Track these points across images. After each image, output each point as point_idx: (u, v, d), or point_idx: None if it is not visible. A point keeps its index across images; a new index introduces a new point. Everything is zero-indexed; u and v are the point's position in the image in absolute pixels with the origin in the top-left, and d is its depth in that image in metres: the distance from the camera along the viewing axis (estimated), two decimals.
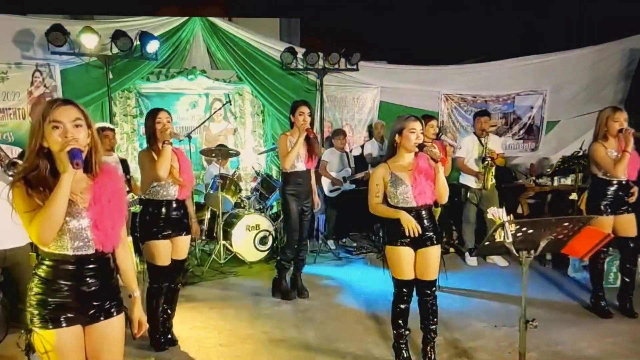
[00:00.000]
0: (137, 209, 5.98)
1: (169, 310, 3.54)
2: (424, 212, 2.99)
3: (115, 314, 1.94)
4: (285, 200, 4.34)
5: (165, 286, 3.43)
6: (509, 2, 9.04)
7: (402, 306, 3.08)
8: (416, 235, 2.91)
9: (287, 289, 4.50)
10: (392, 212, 2.98)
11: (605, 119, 3.80)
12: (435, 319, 3.10)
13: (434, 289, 3.06)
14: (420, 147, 2.92)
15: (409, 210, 2.95)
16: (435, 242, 3.01)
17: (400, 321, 3.11)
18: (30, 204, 1.72)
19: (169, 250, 3.36)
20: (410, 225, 2.89)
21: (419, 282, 3.04)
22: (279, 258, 4.54)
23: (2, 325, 3.25)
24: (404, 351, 3.15)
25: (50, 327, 1.79)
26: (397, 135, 3.01)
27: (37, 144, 1.75)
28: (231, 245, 5.46)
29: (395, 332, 3.16)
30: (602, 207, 3.85)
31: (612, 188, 3.83)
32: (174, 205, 3.37)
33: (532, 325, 2.47)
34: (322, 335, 3.70)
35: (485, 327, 3.79)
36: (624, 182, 3.83)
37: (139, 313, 2.07)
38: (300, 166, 4.25)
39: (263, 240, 5.63)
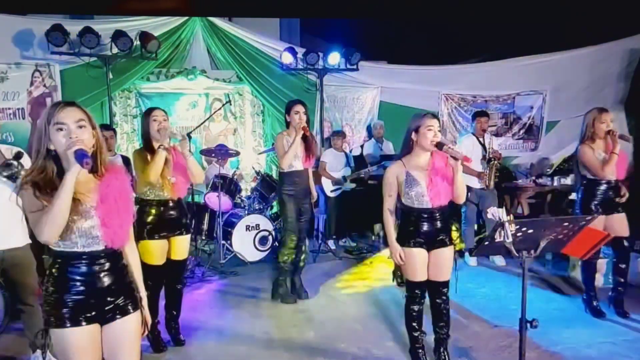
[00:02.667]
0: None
1: (173, 311, 3.54)
2: (437, 214, 2.92)
3: (131, 310, 1.94)
4: (282, 200, 4.29)
5: (161, 286, 3.40)
6: (510, 2, 9.02)
7: (416, 308, 3.04)
8: (400, 263, 2.97)
9: (286, 291, 4.40)
10: (391, 237, 2.99)
11: (592, 121, 3.83)
12: (447, 320, 3.07)
13: (446, 290, 3.02)
14: (439, 146, 2.82)
15: (423, 211, 2.90)
16: (448, 243, 2.97)
17: (414, 324, 3.08)
18: (37, 204, 1.74)
19: (162, 250, 3.33)
20: (396, 259, 2.98)
21: (432, 284, 3.00)
22: (278, 260, 4.44)
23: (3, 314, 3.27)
24: (421, 356, 3.11)
25: (68, 325, 1.80)
26: (413, 133, 2.90)
27: (44, 147, 1.78)
28: (231, 245, 5.46)
29: (410, 335, 3.13)
30: (592, 207, 3.85)
31: (602, 188, 3.85)
32: (170, 204, 3.33)
33: (532, 326, 2.47)
34: (322, 335, 3.70)
35: (485, 327, 3.79)
36: (612, 183, 3.85)
37: (145, 312, 2.09)
38: (298, 165, 4.21)
39: (263, 240, 5.63)
